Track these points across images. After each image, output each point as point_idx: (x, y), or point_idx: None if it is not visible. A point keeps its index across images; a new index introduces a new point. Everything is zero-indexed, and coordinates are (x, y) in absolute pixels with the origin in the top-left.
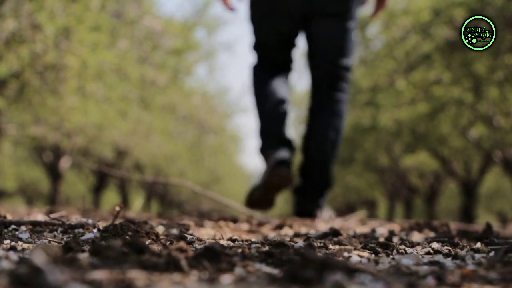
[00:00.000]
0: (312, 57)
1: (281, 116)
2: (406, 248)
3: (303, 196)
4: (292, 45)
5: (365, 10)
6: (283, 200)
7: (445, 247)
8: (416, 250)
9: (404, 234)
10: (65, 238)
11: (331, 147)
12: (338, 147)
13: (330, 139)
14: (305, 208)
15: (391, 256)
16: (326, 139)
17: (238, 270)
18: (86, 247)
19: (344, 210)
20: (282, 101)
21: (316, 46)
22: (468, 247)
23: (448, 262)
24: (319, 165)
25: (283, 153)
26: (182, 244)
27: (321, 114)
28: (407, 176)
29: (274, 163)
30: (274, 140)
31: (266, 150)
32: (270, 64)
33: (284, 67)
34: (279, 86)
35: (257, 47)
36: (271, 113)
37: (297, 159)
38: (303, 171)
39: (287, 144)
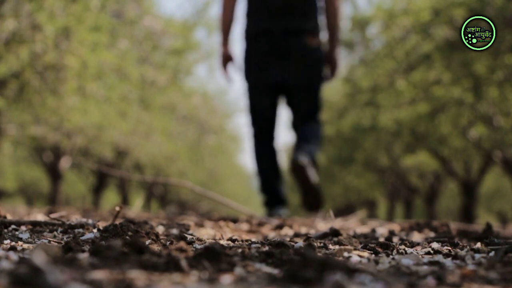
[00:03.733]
0: (293, 115)
1: (278, 179)
2: (406, 248)
3: (297, 149)
4: (275, 115)
5: (364, 11)
6: None
7: (445, 247)
8: (416, 250)
9: (404, 234)
10: (65, 238)
11: (316, 133)
12: (320, 141)
13: (314, 130)
14: (299, 157)
15: (391, 256)
16: (311, 129)
17: (238, 270)
18: (86, 247)
19: (344, 210)
20: (277, 167)
21: (294, 109)
22: (468, 247)
23: (448, 262)
24: (310, 138)
25: (282, 211)
26: (182, 244)
27: (305, 124)
28: (407, 176)
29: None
30: (275, 200)
31: (268, 206)
32: (262, 135)
33: (271, 137)
34: (273, 156)
35: (253, 122)
36: (270, 177)
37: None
38: (298, 135)
39: (284, 203)
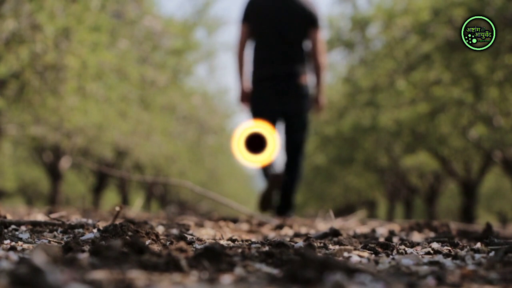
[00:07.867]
0: (285, 136)
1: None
2: (406, 248)
3: (280, 210)
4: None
5: (364, 11)
6: None
7: (445, 247)
8: (416, 250)
9: (404, 234)
10: (65, 238)
11: (295, 186)
12: (298, 184)
13: (294, 183)
14: (281, 215)
15: (391, 256)
16: (292, 184)
17: (238, 270)
18: (86, 247)
19: (344, 210)
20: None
21: (286, 131)
22: (468, 247)
23: (448, 262)
24: (289, 196)
25: (276, 170)
26: (182, 244)
27: (290, 169)
28: (407, 176)
29: (272, 173)
30: (270, 169)
31: (266, 174)
32: None
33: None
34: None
35: None
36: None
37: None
38: (282, 197)
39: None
